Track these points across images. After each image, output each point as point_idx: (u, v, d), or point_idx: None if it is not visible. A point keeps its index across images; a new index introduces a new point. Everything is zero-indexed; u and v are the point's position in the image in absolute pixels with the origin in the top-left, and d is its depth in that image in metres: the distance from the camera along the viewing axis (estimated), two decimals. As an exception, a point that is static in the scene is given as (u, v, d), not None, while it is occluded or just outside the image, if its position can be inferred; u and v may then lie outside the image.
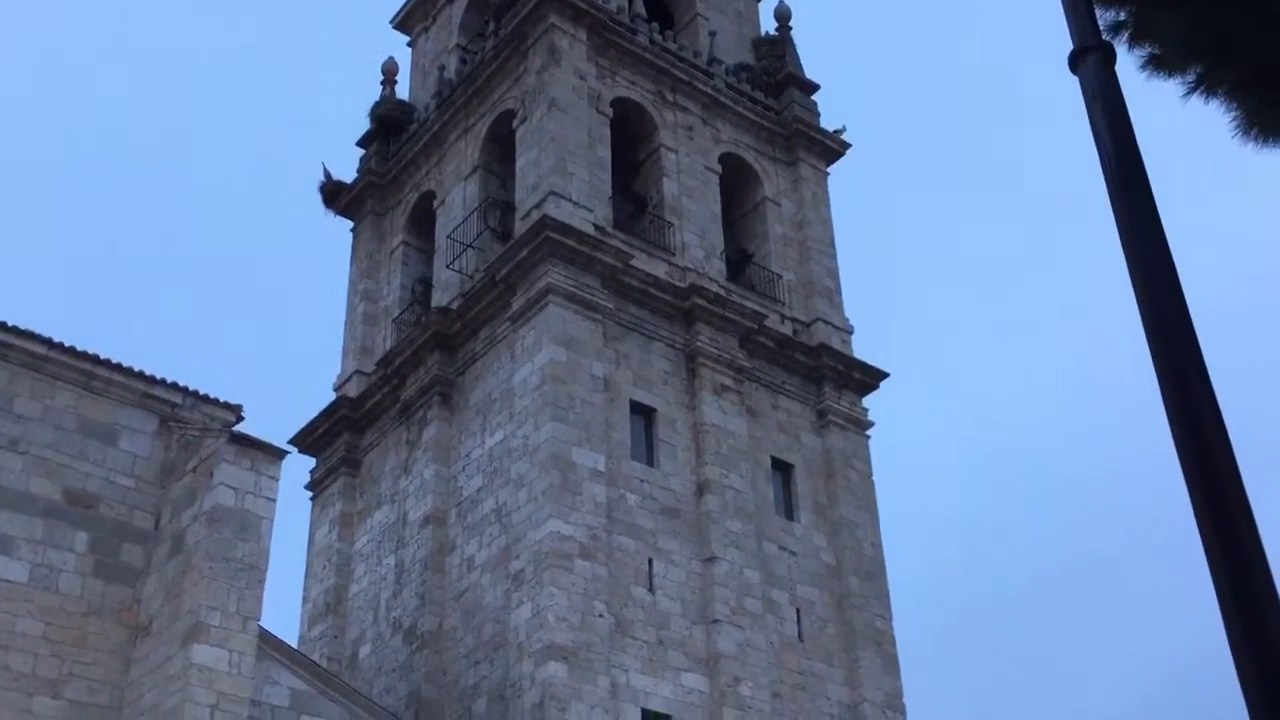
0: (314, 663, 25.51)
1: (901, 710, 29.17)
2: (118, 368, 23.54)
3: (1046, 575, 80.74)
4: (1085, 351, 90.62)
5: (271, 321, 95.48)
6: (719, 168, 34.75)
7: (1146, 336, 6.57)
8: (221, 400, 24.18)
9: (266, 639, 22.63)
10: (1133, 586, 76.50)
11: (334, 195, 38.02)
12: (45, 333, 23.09)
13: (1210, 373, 6.38)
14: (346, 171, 38.53)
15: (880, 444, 36.91)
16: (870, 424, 33.05)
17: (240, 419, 24.08)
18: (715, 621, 27.39)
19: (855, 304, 40.81)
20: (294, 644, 27.01)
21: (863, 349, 34.01)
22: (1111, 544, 78.97)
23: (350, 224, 38.15)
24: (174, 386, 24.11)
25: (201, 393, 24.23)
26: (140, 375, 23.75)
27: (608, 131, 32.86)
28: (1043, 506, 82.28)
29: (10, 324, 22.67)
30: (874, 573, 30.76)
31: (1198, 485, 5.99)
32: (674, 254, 32.17)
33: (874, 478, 32.35)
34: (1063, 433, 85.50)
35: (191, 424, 23.76)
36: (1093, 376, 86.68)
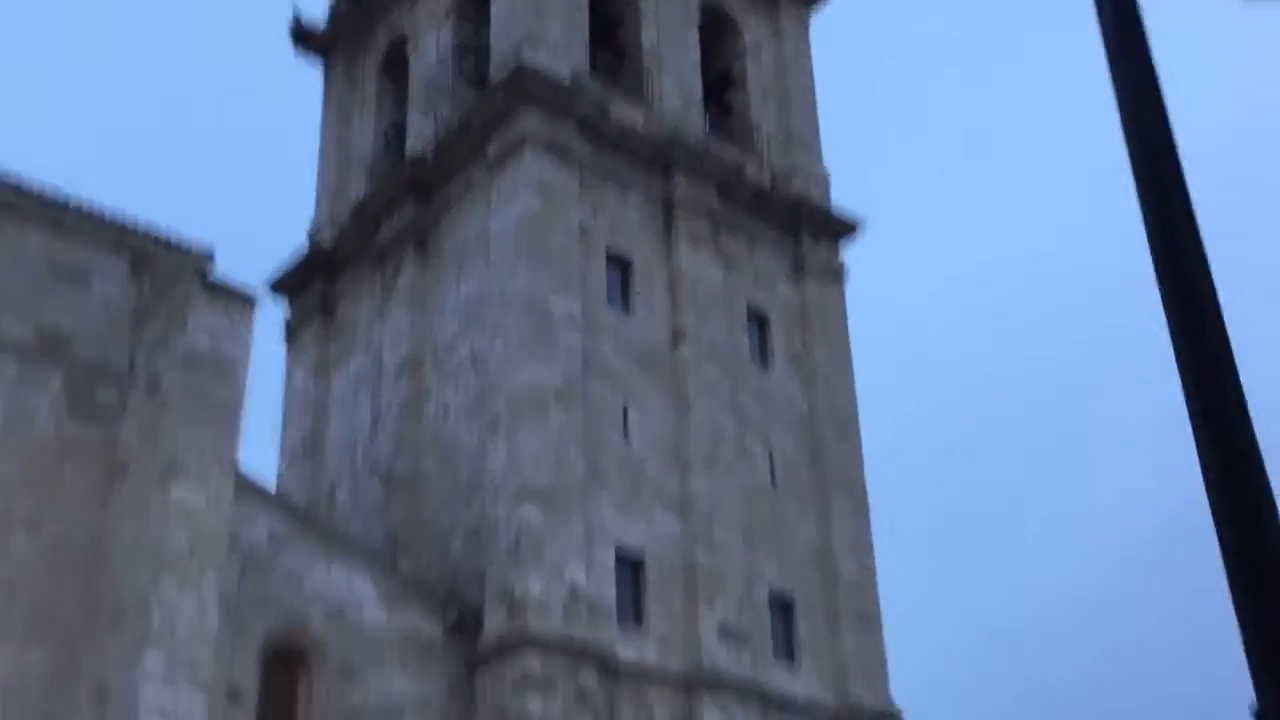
0: (292, 502, 25.90)
1: (869, 551, 29.75)
2: (89, 210, 23.41)
3: (1022, 423, 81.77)
4: (1062, 205, 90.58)
5: (244, 166, 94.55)
6: (698, 14, 34.23)
7: (1136, 183, 6.57)
8: (195, 244, 24.10)
9: (244, 480, 22.91)
10: (1109, 437, 77.63)
11: (305, 38, 37.37)
12: (13, 177, 22.91)
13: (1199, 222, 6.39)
14: (318, 12, 37.83)
15: (857, 293, 36.99)
16: (846, 274, 33.13)
17: (213, 263, 24.02)
18: (689, 466, 27.77)
19: (834, 152, 40.56)
20: (271, 486, 27.35)
21: (841, 197, 33.96)
22: (1085, 394, 79.89)
23: (322, 68, 37.59)
24: (146, 230, 24.00)
25: (174, 236, 24.14)
26: (111, 218, 23.63)
27: (585, -24, 32.28)
28: (1019, 358, 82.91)
29: (-22, 166, 22.46)
30: (847, 420, 31.12)
31: (1182, 333, 6.03)
32: (652, 103, 31.86)
33: (849, 326, 32.54)
34: (1038, 286, 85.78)
35: (164, 267, 23.71)
36: (1069, 231, 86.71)
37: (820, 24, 37.09)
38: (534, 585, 24.47)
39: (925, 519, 68.20)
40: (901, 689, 28.75)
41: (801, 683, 27.44)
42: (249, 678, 21.92)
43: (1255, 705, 5.16)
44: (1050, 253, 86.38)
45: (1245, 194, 70.13)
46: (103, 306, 23.27)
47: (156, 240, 23.95)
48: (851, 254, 33.90)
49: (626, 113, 30.93)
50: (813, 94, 35.55)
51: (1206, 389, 5.75)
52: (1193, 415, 5.80)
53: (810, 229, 32.74)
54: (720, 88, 34.95)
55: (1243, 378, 5.91)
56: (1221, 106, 71.72)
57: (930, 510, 71.88)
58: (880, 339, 62.48)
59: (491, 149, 29.32)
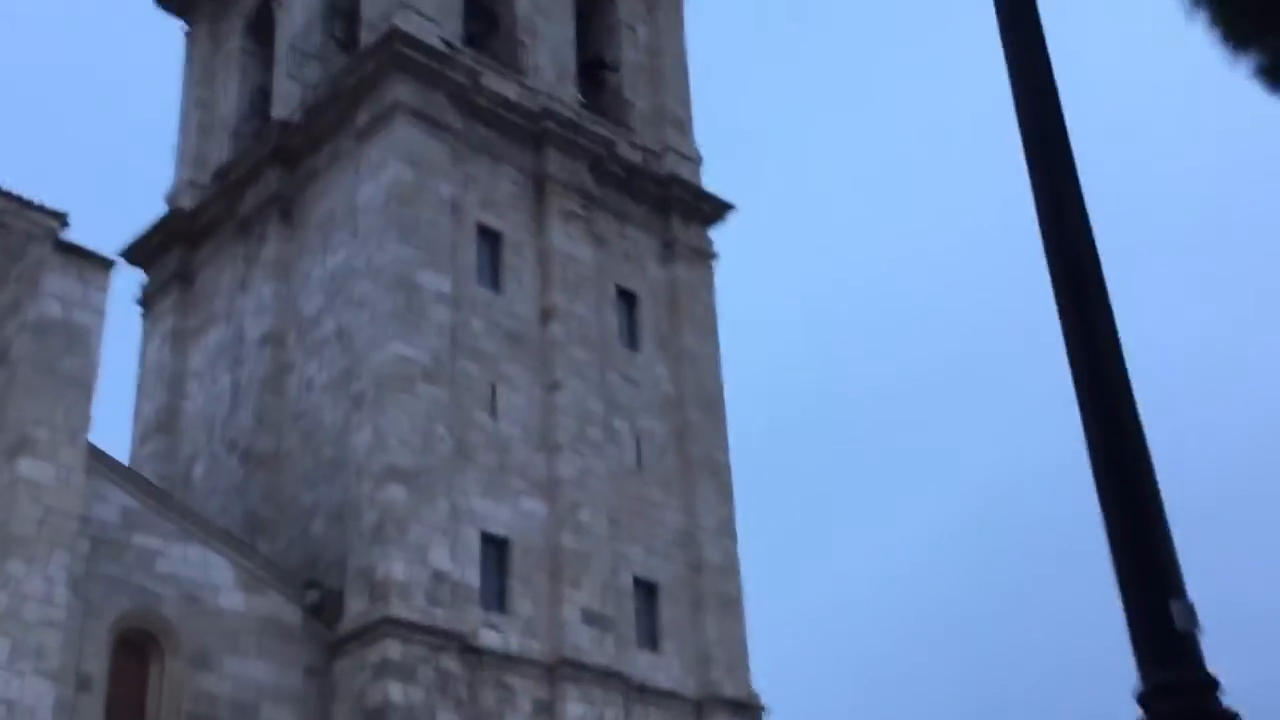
0: (146, 480, 24.97)
1: (733, 536, 29.86)
2: (-68, 168, 22.15)
3: (876, 404, 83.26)
4: (928, 199, 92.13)
5: (101, 128, 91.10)
6: (574, -13, 33.78)
7: (1026, 158, 6.52)
8: (47, 206, 22.98)
9: (96, 455, 22.02)
10: (951, 417, 79.53)
11: (167, -6, 35.97)
12: None
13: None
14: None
15: (725, 278, 37.09)
16: (715, 256, 33.13)
17: (66, 226, 22.94)
18: (557, 448, 27.51)
19: (707, 135, 40.50)
20: (124, 462, 26.33)
21: (711, 181, 33.90)
22: (937, 376, 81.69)
23: (184, 26, 36.24)
24: (-6, 190, 22.83)
25: (25, 198, 22.98)
26: (-43, 178, 22.41)
27: (460, -58, 31.58)
28: (870, 343, 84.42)
29: None
30: (713, 404, 31.15)
31: (1071, 318, 6.02)
32: (526, 75, 31.37)
33: (717, 310, 32.55)
34: (896, 279, 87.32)
35: (15, 230, 22.58)
36: (951, 223, 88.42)
37: (693, 4, 36.95)
38: (396, 568, 24.00)
39: (786, 501, 69.06)
40: (760, 675, 28.98)
41: (664, 670, 27.44)
42: (99, 665, 21.08)
43: (1139, 689, 5.23)
44: (930, 245, 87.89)
45: (1138, 173, 72.35)
46: (-53, 271, 22.08)
47: (8, 201, 22.77)
48: (723, 238, 33.92)
49: (499, 84, 30.42)
50: (685, 73, 35.42)
51: (1094, 376, 5.80)
52: (1080, 399, 5.84)
53: (680, 209, 32.64)
54: (595, 63, 34.58)
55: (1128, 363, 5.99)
56: (1113, 91, 73.57)
57: (791, 492, 72.90)
58: (751, 325, 63.06)
59: (361, 117, 28.57)
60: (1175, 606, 5.25)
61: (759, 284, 74.62)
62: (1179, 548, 5.47)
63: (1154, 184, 76.94)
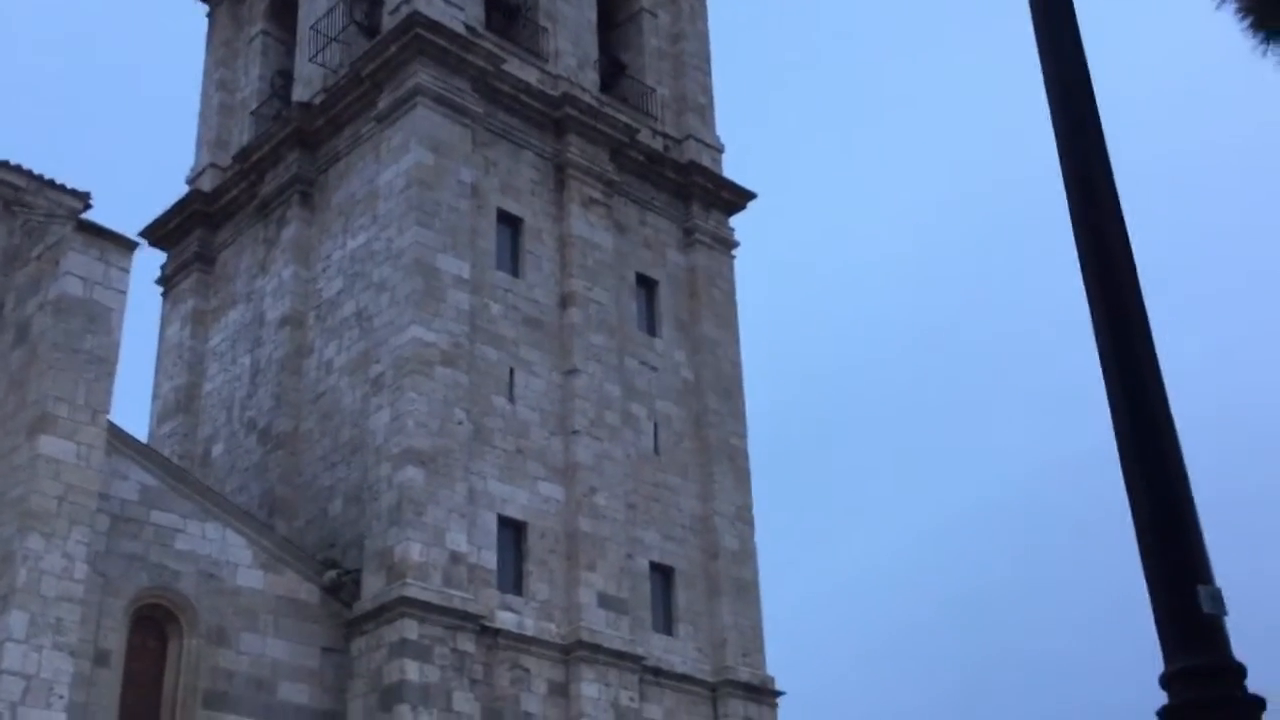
0: (165, 459, 25.08)
1: (750, 523, 29.91)
2: (-44, 146, 22.24)
3: (894, 396, 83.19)
4: (937, 193, 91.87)
5: (124, 109, 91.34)
6: (597, -28, 33.74)
7: (1058, 148, 6.51)
8: (69, 186, 23.08)
9: (116, 433, 22.12)
10: (970, 408, 79.36)
11: (190, -24, 36.04)
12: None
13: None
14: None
15: (744, 263, 37.11)
16: (735, 243, 33.11)
17: (88, 206, 23.04)
18: (574, 433, 27.55)
19: (728, 122, 40.45)
20: (144, 441, 26.44)
21: (732, 169, 33.88)
22: (953, 371, 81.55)
23: (206, 9, 36.31)
24: (17, 169, 22.94)
25: (47, 177, 23.09)
26: (-20, 155, 22.52)
27: (483, -73, 31.55)
28: (890, 334, 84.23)
29: None
30: (731, 390, 31.17)
31: (1100, 301, 6.02)
32: (547, 61, 31.35)
33: (737, 297, 32.56)
34: (914, 269, 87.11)
35: (36, 209, 22.68)
36: (942, 216, 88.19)
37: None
38: (414, 549, 24.08)
39: (805, 490, 69.11)
40: (775, 659, 29.02)
41: (679, 653, 27.51)
42: (116, 640, 21.21)
43: (1164, 673, 5.25)
44: (953, 233, 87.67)
45: (1165, 162, 72.03)
46: (-30, 248, 22.18)
47: (29, 180, 22.87)
48: (743, 223, 33.90)
49: (521, 69, 30.40)
50: (708, 60, 35.36)
51: (1123, 364, 5.80)
52: (1109, 387, 5.84)
53: (701, 197, 32.62)
54: (616, 47, 34.54)
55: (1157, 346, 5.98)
56: (1141, 77, 73.23)
57: (810, 480, 72.92)
58: (772, 310, 63.05)
59: (382, 100, 28.60)
60: (1203, 592, 5.26)
61: (778, 269, 74.55)
62: (1207, 535, 5.47)
63: (1182, 174, 76.57)
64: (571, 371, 28.13)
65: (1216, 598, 5.28)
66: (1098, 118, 6.54)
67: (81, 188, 23.08)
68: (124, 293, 22.02)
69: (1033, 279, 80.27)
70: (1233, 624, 5.44)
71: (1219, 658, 5.26)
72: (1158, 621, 5.41)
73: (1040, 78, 6.76)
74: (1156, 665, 5.34)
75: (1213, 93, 75.82)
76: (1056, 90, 6.59)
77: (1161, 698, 5.32)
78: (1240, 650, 5.38)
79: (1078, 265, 6.31)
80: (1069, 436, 68.97)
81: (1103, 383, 5.91)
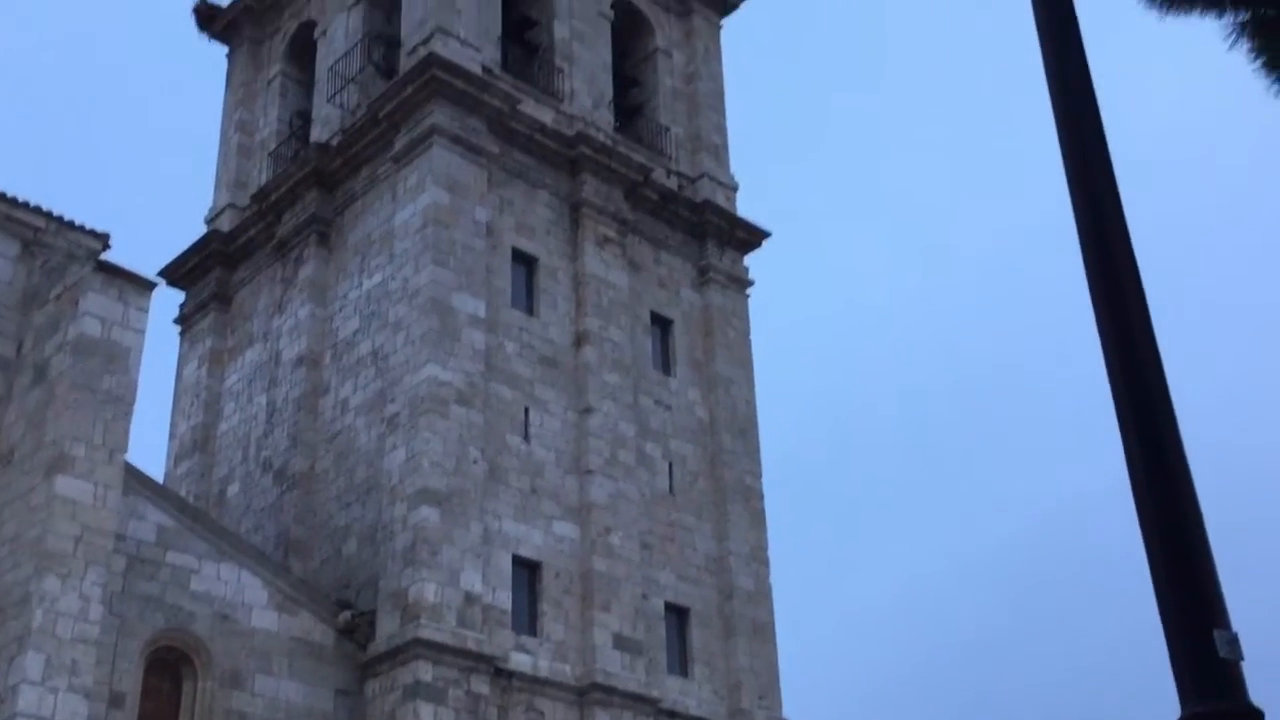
0: (181, 499, 25.12)
1: (765, 562, 29.78)
2: (-24, 188, 22.44)
3: (903, 436, 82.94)
4: (945, 233, 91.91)
5: (143, 149, 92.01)
6: (611, 14, 33.98)
7: (1070, 187, 6.52)
8: (88, 227, 23.27)
9: (133, 473, 22.16)
10: (982, 447, 79.08)
11: (209, 19, 36.40)
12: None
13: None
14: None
15: (757, 304, 37.11)
16: (750, 282, 33.15)
17: (107, 247, 23.23)
18: (589, 472, 27.52)
19: (742, 162, 40.62)
20: (160, 481, 26.49)
21: (746, 208, 33.97)
22: (964, 411, 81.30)
23: (226, 51, 36.65)
24: (37, 210, 23.13)
25: (66, 218, 23.28)
26: (1, 197, 22.69)
27: (499, -31, 31.85)
28: (907, 367, 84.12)
29: None
30: (746, 429, 31.12)
31: (1110, 336, 6.01)
32: (562, 101, 31.54)
33: (751, 336, 32.57)
34: (922, 307, 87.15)
35: (56, 250, 22.85)
36: (952, 258, 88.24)
37: (731, 31, 37.09)
38: (428, 590, 24.03)
39: (819, 529, 68.83)
40: (790, 699, 28.83)
41: (695, 695, 27.35)
42: (131, 682, 21.17)
43: (1180, 718, 5.20)
44: (952, 273, 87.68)
45: (1175, 201, 72.03)
46: (-11, 288, 22.32)
47: (49, 221, 23.05)
48: (756, 261, 33.94)
49: (536, 109, 30.57)
50: (722, 100, 35.52)
51: (1134, 390, 5.79)
52: (1122, 426, 5.82)
53: (716, 235, 32.69)
54: (631, 88, 34.74)
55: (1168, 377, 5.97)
56: (1151, 116, 73.40)
57: (824, 520, 72.65)
58: (782, 350, 63.06)
59: (399, 141, 28.78)
60: (1219, 636, 5.23)
61: (794, 306, 74.59)
62: (1221, 576, 5.45)
63: (1191, 208, 76.50)
64: (586, 410, 28.13)
65: (1233, 643, 5.25)
66: (1108, 159, 6.56)
67: (100, 228, 23.28)
68: (142, 332, 22.12)
69: (1045, 318, 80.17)
70: (1247, 666, 5.40)
71: (1236, 703, 5.22)
72: (1174, 666, 5.38)
73: (1051, 116, 6.78)
74: (1167, 708, 5.31)
75: (1223, 132, 75.85)
76: (1067, 131, 6.61)
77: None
78: (1255, 691, 5.36)
79: (1090, 305, 6.30)
80: (1081, 477, 68.71)
81: (1116, 424, 5.89)
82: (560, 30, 32.51)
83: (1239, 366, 71.60)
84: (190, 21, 36.32)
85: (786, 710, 28.45)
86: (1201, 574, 5.39)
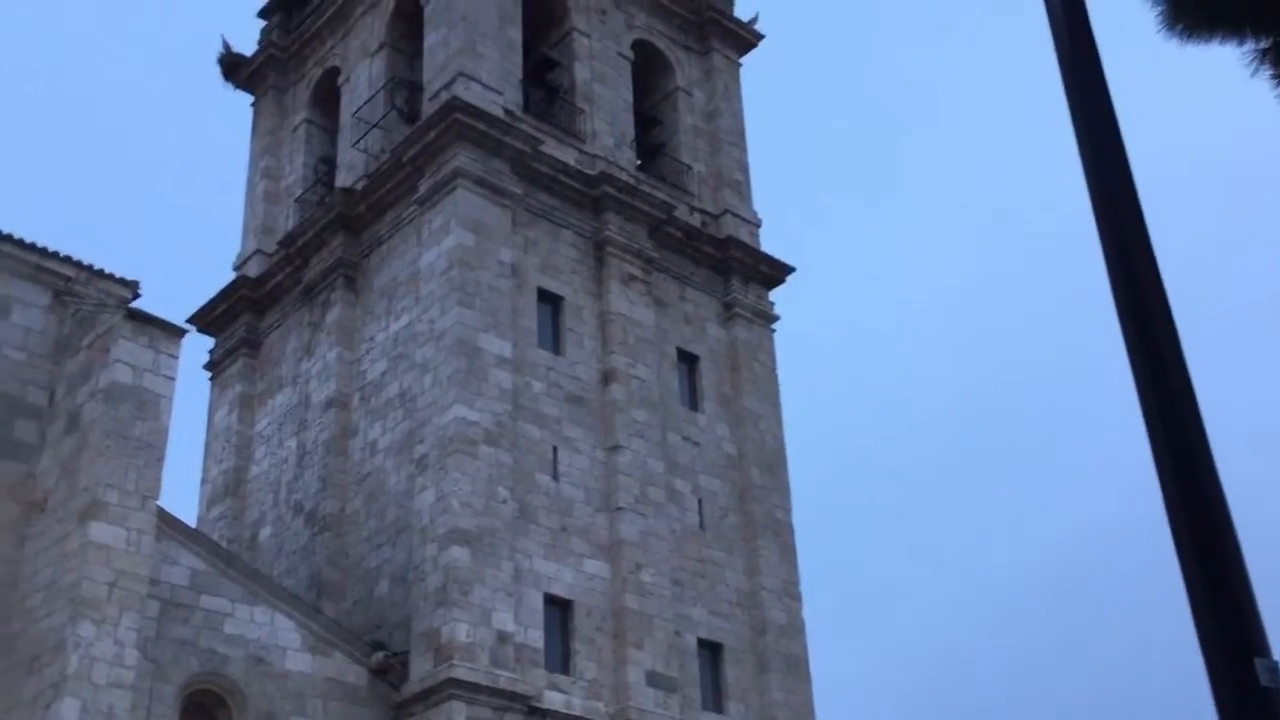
0: (214, 543, 25.25)
1: (798, 597, 29.70)
2: (8, 239, 22.73)
3: (932, 467, 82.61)
4: (984, 252, 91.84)
5: (171, 198, 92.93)
6: (631, 54, 34.25)
7: (1095, 216, 6.57)
8: (118, 275, 23.51)
9: (165, 518, 22.30)
10: (1011, 479, 78.74)
11: (234, 68, 36.86)
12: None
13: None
14: (247, 44, 37.39)
15: (783, 338, 37.14)
16: (776, 317, 33.21)
17: (137, 295, 23.46)
18: (618, 509, 27.54)
19: (764, 198, 40.76)
20: (192, 525, 26.64)
21: (770, 243, 34.05)
22: (993, 441, 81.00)
23: (251, 99, 37.07)
24: (68, 260, 23.38)
25: (97, 267, 23.53)
26: (33, 247, 22.98)
27: (519, 12, 32.16)
28: (929, 404, 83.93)
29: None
30: (775, 464, 31.10)
31: (1139, 351, 6.03)
32: (584, 141, 31.75)
33: (778, 371, 32.59)
34: (956, 337, 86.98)
35: (86, 299, 23.08)
36: (976, 290, 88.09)
37: (750, 69, 37.33)
38: (460, 629, 24.06)
39: (853, 563, 68.55)
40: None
41: (729, 731, 27.21)
42: (168, 726, 21.22)
43: None
44: (975, 297, 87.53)
45: (1198, 225, 71.87)
46: (23, 338, 22.59)
47: (79, 270, 23.30)
48: (782, 296, 34.00)
49: (559, 150, 30.78)
50: (743, 136, 35.69)
51: (1168, 419, 5.81)
52: (1151, 436, 5.84)
53: (740, 271, 32.79)
54: (652, 127, 34.95)
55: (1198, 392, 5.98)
56: (1174, 141, 73.32)
57: (858, 554, 72.35)
58: (809, 383, 62.97)
59: (423, 184, 29.01)
60: (1260, 665, 5.23)
61: (825, 337, 74.54)
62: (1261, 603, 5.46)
63: (1215, 239, 76.24)
64: (615, 448, 28.17)
65: (1274, 670, 5.25)
66: (1133, 186, 6.61)
67: (131, 276, 23.52)
68: (173, 379, 22.31)
69: (1073, 345, 79.86)
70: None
71: (1278, 730, 5.22)
72: (1214, 695, 5.38)
73: (1074, 144, 6.83)
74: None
75: (1247, 159, 75.62)
76: (1090, 157, 6.66)
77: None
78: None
79: (1119, 330, 6.34)
80: (1115, 507, 68.23)
81: (1151, 454, 5.92)
82: (581, 72, 32.76)
83: (1274, 391, 71.13)
84: (216, 73, 36.76)
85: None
86: (1241, 602, 5.40)
